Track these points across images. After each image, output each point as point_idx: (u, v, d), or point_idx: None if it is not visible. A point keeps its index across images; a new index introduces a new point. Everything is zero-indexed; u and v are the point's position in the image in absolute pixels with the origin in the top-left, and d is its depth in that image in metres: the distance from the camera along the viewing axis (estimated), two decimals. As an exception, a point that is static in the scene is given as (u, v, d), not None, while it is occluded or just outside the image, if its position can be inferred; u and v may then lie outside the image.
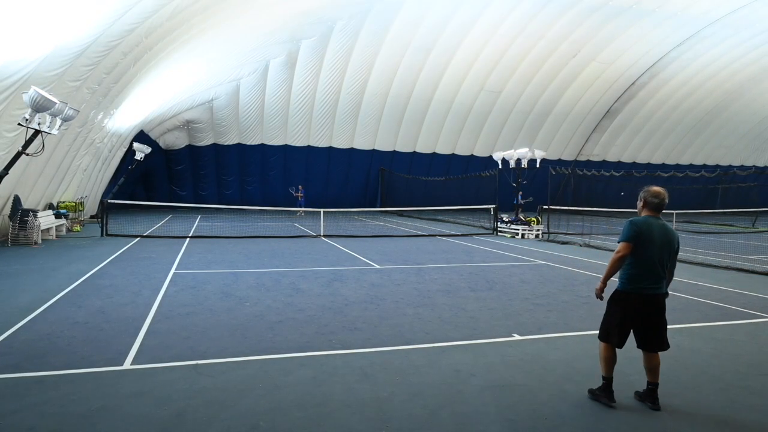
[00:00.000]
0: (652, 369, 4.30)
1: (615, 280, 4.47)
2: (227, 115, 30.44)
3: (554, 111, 35.36)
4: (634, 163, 40.15)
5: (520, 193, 20.24)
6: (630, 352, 4.62)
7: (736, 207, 32.50)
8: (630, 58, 31.58)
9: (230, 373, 4.84)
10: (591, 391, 4.41)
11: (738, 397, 4.50)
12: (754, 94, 36.58)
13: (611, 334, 4.34)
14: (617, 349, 4.37)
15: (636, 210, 4.52)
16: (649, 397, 4.27)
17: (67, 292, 8.17)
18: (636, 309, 4.25)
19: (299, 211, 27.53)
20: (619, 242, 4.27)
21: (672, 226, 4.38)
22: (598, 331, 4.52)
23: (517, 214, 20.13)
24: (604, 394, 4.29)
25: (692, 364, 5.32)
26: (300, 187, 29.79)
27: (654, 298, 4.25)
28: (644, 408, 4.25)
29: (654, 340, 4.29)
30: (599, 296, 4.47)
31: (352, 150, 34.24)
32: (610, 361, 4.33)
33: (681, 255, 13.70)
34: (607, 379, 4.32)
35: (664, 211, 4.41)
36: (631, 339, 4.40)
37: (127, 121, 22.05)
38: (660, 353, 4.34)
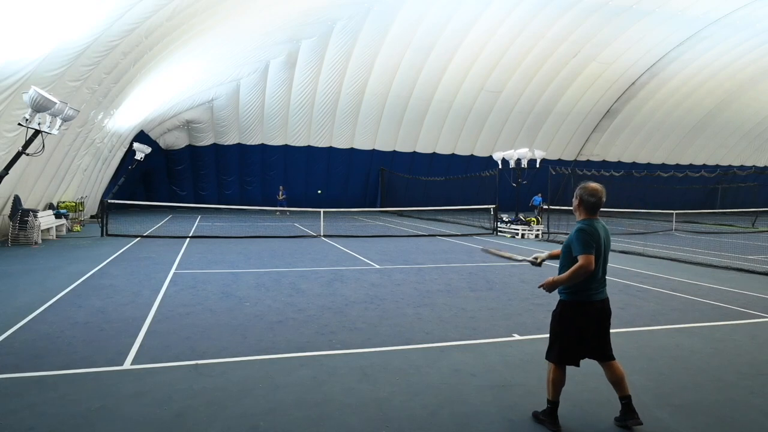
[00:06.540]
0: (619, 381, 3.89)
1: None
2: (227, 115, 30.44)
3: (554, 111, 35.35)
4: (634, 163, 40.14)
5: (539, 194, 20.32)
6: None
7: (736, 207, 32.53)
8: (630, 58, 31.56)
9: (230, 373, 4.83)
10: (535, 414, 3.99)
11: (738, 397, 4.49)
12: (754, 94, 36.55)
13: (566, 353, 3.88)
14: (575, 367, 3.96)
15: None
16: (628, 413, 3.84)
17: (67, 292, 8.16)
18: (592, 318, 3.88)
19: (277, 210, 28.31)
20: (579, 254, 3.77)
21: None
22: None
23: (539, 213, 20.45)
24: (549, 419, 3.87)
25: (692, 364, 5.31)
26: (281, 188, 30.48)
27: (604, 302, 3.95)
28: (645, 408, 4.18)
29: (608, 346, 3.94)
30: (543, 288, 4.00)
31: (352, 150, 34.23)
32: (558, 384, 3.89)
33: (681, 255, 13.76)
34: (553, 403, 3.88)
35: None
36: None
37: (127, 121, 22.06)
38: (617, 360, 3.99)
